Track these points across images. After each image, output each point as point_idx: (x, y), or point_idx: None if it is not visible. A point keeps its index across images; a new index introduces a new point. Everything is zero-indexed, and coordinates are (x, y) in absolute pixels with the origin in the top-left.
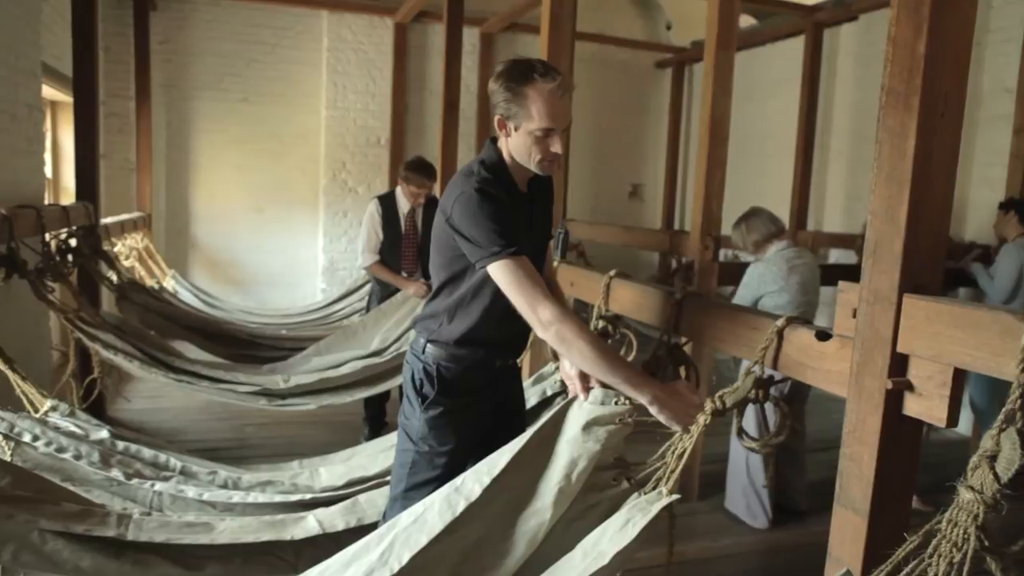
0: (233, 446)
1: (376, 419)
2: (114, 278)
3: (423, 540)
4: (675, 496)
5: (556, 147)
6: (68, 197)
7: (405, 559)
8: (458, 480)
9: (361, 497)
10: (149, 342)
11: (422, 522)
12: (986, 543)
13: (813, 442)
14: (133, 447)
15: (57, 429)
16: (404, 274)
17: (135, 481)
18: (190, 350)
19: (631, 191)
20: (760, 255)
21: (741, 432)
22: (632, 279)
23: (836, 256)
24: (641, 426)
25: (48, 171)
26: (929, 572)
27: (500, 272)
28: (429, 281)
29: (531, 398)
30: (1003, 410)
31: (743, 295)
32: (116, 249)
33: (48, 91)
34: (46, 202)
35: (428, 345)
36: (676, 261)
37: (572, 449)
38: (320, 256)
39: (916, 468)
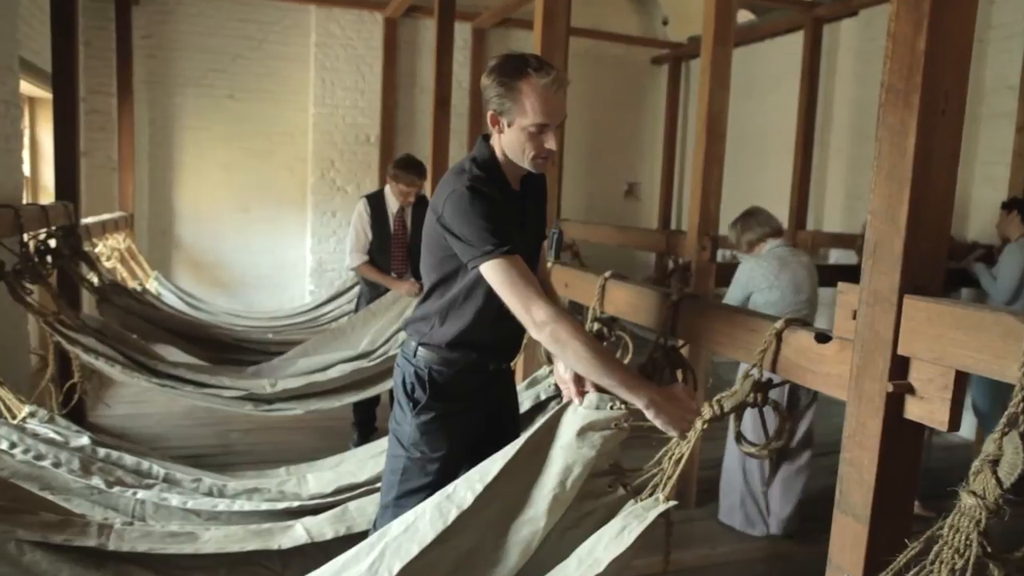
0: (218, 452)
1: (366, 424)
2: (95, 280)
3: (414, 550)
4: (672, 502)
5: (550, 143)
6: (47, 196)
7: (396, 569)
8: (450, 488)
9: (350, 505)
10: (131, 346)
11: (413, 531)
12: (989, 549)
13: (813, 446)
14: (115, 454)
15: (35, 436)
16: (393, 274)
17: (117, 489)
18: (173, 354)
19: (627, 190)
20: (754, 255)
21: (739, 437)
22: (628, 280)
23: (836, 256)
24: (637, 431)
25: (26, 169)
26: None
27: (493, 272)
28: (421, 281)
29: (525, 402)
30: (1006, 413)
31: (733, 292)
32: (97, 250)
33: (26, 87)
34: (24, 201)
35: (419, 348)
36: (673, 262)
37: (567, 455)
38: (308, 257)
39: (917, 473)
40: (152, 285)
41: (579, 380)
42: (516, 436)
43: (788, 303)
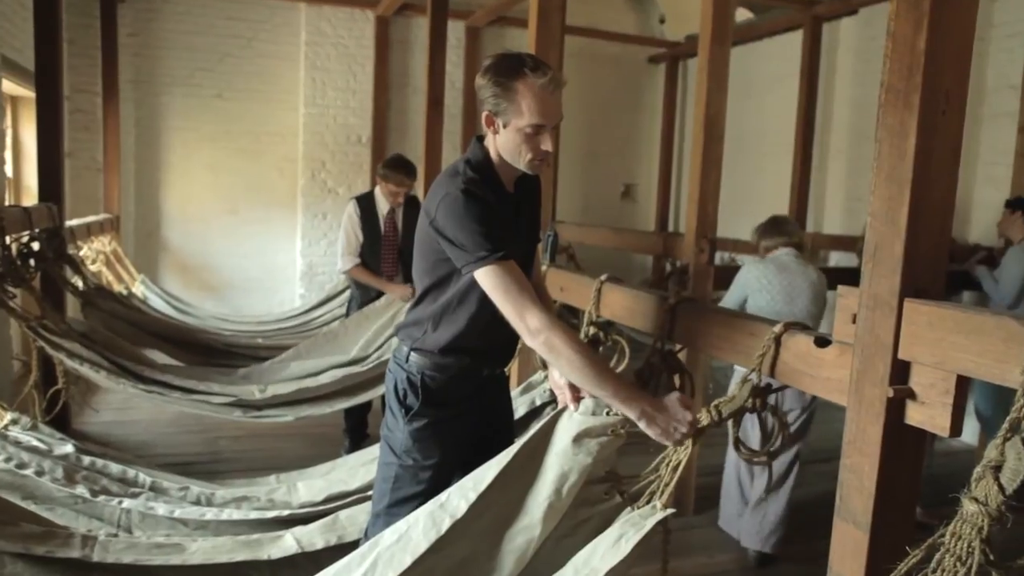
0: (206, 460)
1: (357, 431)
2: (80, 283)
3: (407, 560)
4: (670, 510)
5: (546, 145)
6: (30, 198)
7: None
8: (443, 496)
9: (341, 513)
10: (117, 351)
11: (406, 540)
12: (991, 557)
13: (812, 452)
14: (99, 462)
15: (18, 444)
16: (384, 277)
17: (102, 498)
18: (161, 359)
19: (623, 191)
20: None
21: (738, 443)
22: (624, 283)
23: (836, 259)
24: (634, 437)
25: (9, 170)
26: None
27: (487, 278)
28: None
29: (519, 408)
30: (1007, 419)
31: (731, 294)
32: (82, 253)
33: (8, 86)
34: (6, 203)
35: (412, 354)
36: (670, 265)
37: (562, 462)
38: (298, 260)
39: (919, 479)
40: (138, 289)
41: (574, 385)
42: (511, 443)
43: (778, 311)
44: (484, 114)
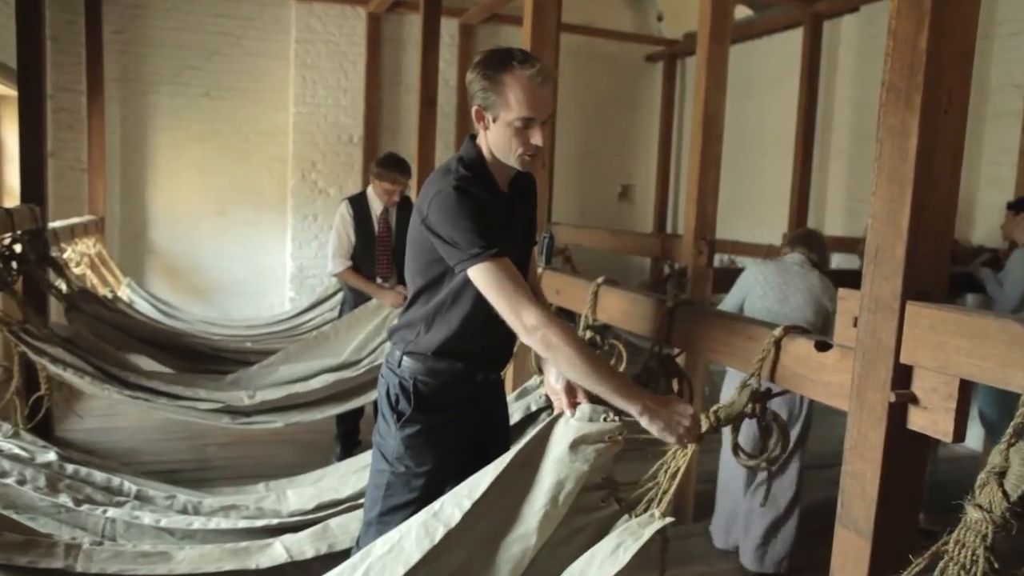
0: (193, 468)
1: (349, 437)
2: (63, 287)
3: (399, 570)
4: (668, 519)
5: (537, 139)
6: (12, 199)
7: None
8: (436, 504)
9: (332, 522)
10: (102, 356)
11: (398, 550)
12: (995, 565)
13: (813, 458)
14: (83, 470)
15: None
16: (379, 280)
17: (86, 507)
18: (146, 364)
19: (620, 192)
20: None
21: (736, 448)
22: (621, 286)
23: (838, 261)
24: (631, 444)
25: None
26: None
27: (481, 275)
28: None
29: (515, 413)
30: (1012, 424)
31: (731, 295)
32: (66, 255)
33: None
34: None
35: (404, 358)
36: (668, 267)
37: (558, 469)
38: (288, 263)
39: (922, 486)
40: (124, 292)
41: (571, 391)
42: (505, 449)
43: (768, 307)
44: (474, 109)
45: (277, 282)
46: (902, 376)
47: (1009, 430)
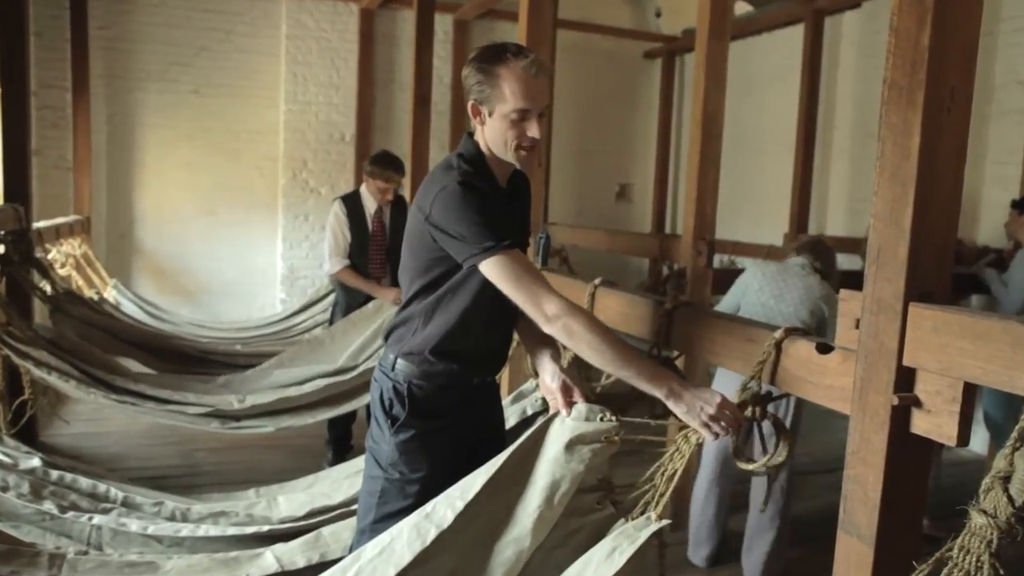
0: (182, 473)
1: (341, 442)
2: (48, 288)
3: (390, 573)
4: (665, 521)
5: (533, 131)
6: None
7: None
8: (428, 506)
9: (324, 530)
10: (87, 359)
11: (389, 553)
12: (1001, 572)
13: (814, 463)
14: (68, 476)
15: None
16: (372, 279)
17: (71, 515)
18: (134, 367)
19: (618, 192)
20: None
21: (737, 452)
22: (619, 288)
23: (840, 261)
24: (628, 444)
25: None
26: None
27: (495, 268)
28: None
29: (511, 418)
30: (1017, 427)
31: (729, 295)
32: (50, 256)
33: None
34: None
35: (399, 361)
36: (667, 268)
37: (554, 470)
38: (279, 263)
39: (926, 490)
40: (110, 294)
41: (567, 390)
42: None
43: (764, 302)
44: (470, 103)
45: (267, 283)
46: (905, 379)
47: (1014, 434)
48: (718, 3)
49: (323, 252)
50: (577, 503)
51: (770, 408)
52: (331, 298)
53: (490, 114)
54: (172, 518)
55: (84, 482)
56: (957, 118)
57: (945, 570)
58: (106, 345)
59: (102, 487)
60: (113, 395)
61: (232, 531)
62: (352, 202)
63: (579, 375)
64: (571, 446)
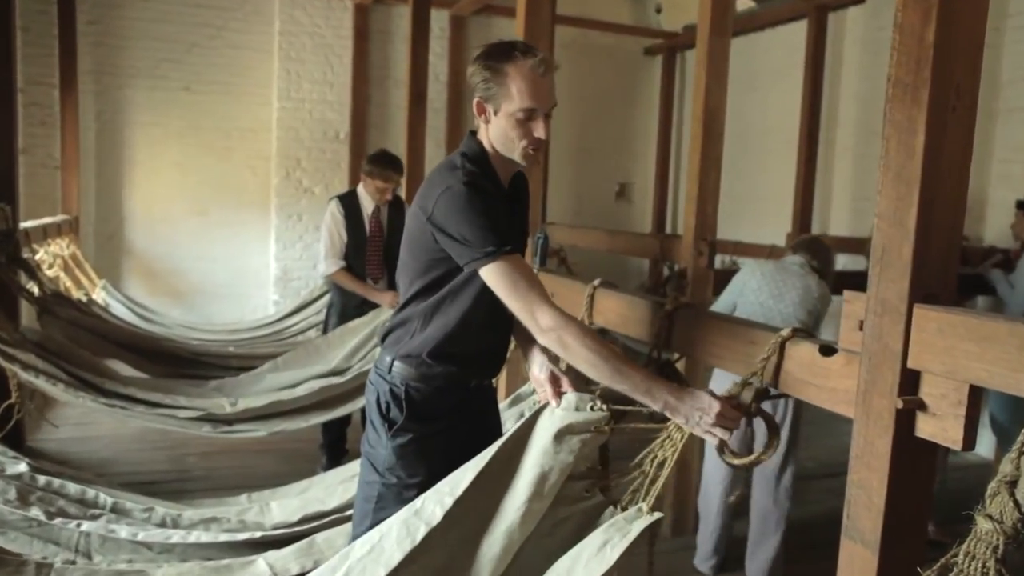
0: (172, 479)
1: (336, 446)
2: (35, 290)
3: (380, 572)
4: (658, 515)
5: (540, 131)
6: None
7: None
8: (418, 502)
9: (318, 536)
10: (76, 362)
11: (378, 551)
12: None
13: (818, 467)
14: (56, 482)
15: None
16: (369, 281)
17: (58, 521)
18: (123, 370)
19: (618, 191)
20: None
21: (723, 446)
22: (619, 289)
23: (844, 262)
24: (620, 432)
25: None
26: None
27: (494, 274)
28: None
29: (508, 421)
30: (1023, 431)
31: (724, 295)
32: (38, 257)
33: None
34: None
35: (396, 363)
36: (667, 269)
37: (543, 461)
38: (272, 264)
39: (931, 495)
40: (99, 295)
41: (555, 381)
42: None
43: (762, 302)
44: (475, 101)
45: (260, 285)
46: (909, 382)
47: (1021, 437)
48: None
49: (318, 253)
50: (566, 491)
51: (767, 408)
52: (325, 299)
53: (496, 113)
54: (163, 524)
55: (72, 488)
56: (963, 116)
57: None
58: (95, 347)
59: (91, 493)
60: (102, 399)
61: (224, 537)
62: (349, 202)
63: (577, 375)
64: (560, 436)
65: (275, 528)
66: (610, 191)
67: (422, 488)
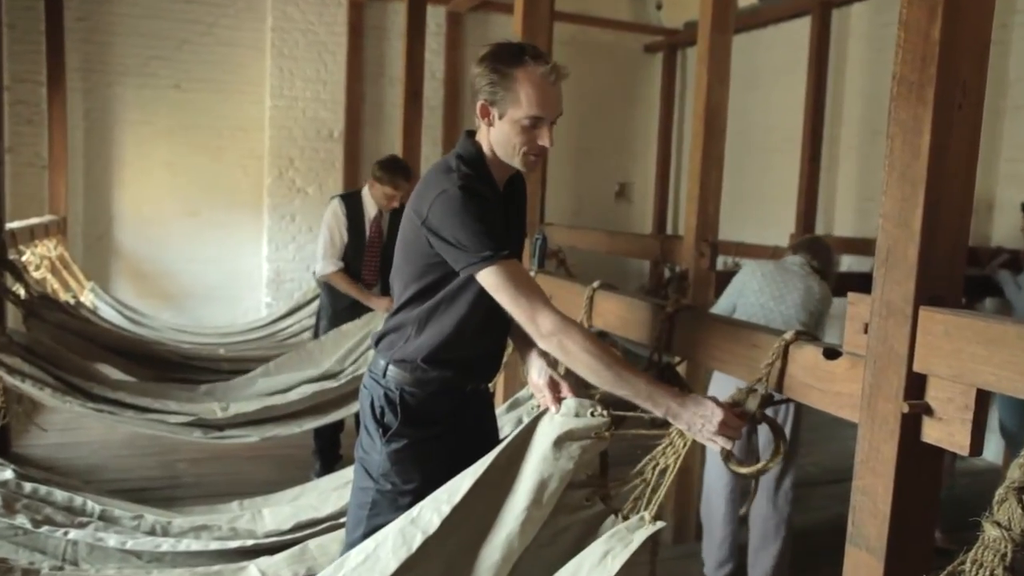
0: (163, 485)
1: (329, 452)
2: (21, 292)
3: None
4: (660, 524)
5: (544, 140)
6: None
7: None
8: (415, 510)
9: (311, 543)
10: (63, 366)
11: (373, 560)
12: None
13: (822, 472)
14: (43, 489)
15: None
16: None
17: (45, 529)
18: (112, 374)
19: (618, 191)
20: None
21: (728, 455)
22: (619, 291)
23: (848, 263)
24: (620, 439)
25: None
26: None
27: (493, 278)
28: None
29: (505, 426)
30: None
31: (724, 297)
32: (24, 258)
33: None
34: None
35: (390, 367)
36: (668, 270)
37: (542, 468)
38: (264, 266)
39: (937, 502)
40: (87, 297)
41: (555, 386)
42: None
43: (763, 303)
44: (479, 104)
45: (252, 287)
46: (915, 385)
47: None
48: None
49: (314, 253)
50: (566, 500)
51: (769, 412)
52: (319, 302)
53: (500, 117)
54: (152, 532)
55: (59, 495)
56: (969, 114)
57: None
58: (83, 351)
59: (78, 500)
60: (90, 403)
61: (215, 545)
62: (352, 203)
63: (576, 379)
64: (560, 443)
65: (267, 536)
66: (610, 191)
67: (417, 494)
